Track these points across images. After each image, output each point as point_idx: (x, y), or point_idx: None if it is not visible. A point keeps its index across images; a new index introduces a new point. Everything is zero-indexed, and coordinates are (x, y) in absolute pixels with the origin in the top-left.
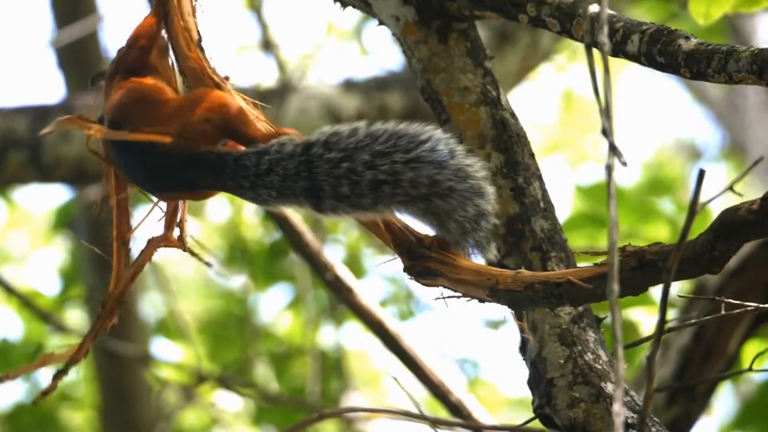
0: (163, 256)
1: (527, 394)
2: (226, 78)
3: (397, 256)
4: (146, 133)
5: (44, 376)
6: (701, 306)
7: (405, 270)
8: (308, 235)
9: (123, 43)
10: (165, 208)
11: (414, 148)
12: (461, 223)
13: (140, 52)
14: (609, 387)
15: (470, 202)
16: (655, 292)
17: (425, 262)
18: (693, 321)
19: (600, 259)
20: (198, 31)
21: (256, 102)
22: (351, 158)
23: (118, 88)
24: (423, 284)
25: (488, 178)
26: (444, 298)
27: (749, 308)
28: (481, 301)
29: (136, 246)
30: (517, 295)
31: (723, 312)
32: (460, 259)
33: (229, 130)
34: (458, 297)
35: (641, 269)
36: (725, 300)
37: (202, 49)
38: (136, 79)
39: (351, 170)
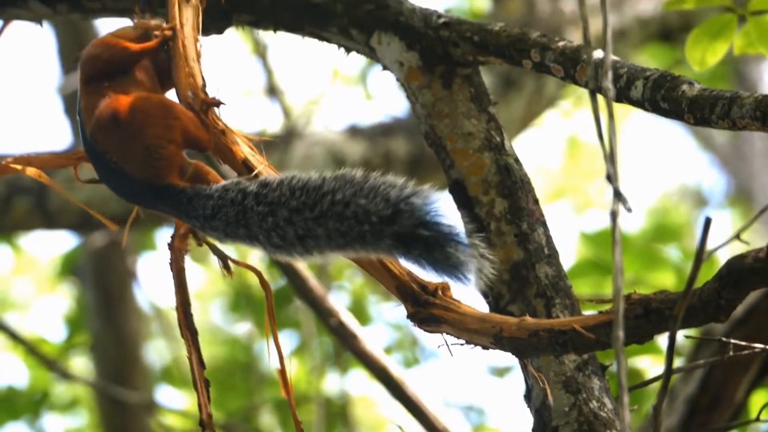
0: (167, 302)
1: None
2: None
3: (401, 302)
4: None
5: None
6: (708, 354)
7: (408, 317)
8: (313, 281)
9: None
10: None
11: (317, 203)
12: (389, 250)
13: (120, 66)
14: None
15: (385, 237)
16: (662, 339)
17: (429, 309)
18: (700, 363)
19: (605, 307)
20: (203, 77)
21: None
22: (274, 213)
23: (107, 102)
24: (427, 331)
25: (391, 200)
26: (448, 345)
27: (756, 351)
28: (485, 348)
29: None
30: (522, 342)
31: (731, 353)
32: (464, 306)
33: (189, 142)
34: (462, 344)
35: (647, 317)
36: (732, 341)
37: (206, 94)
38: (120, 98)
39: (276, 224)
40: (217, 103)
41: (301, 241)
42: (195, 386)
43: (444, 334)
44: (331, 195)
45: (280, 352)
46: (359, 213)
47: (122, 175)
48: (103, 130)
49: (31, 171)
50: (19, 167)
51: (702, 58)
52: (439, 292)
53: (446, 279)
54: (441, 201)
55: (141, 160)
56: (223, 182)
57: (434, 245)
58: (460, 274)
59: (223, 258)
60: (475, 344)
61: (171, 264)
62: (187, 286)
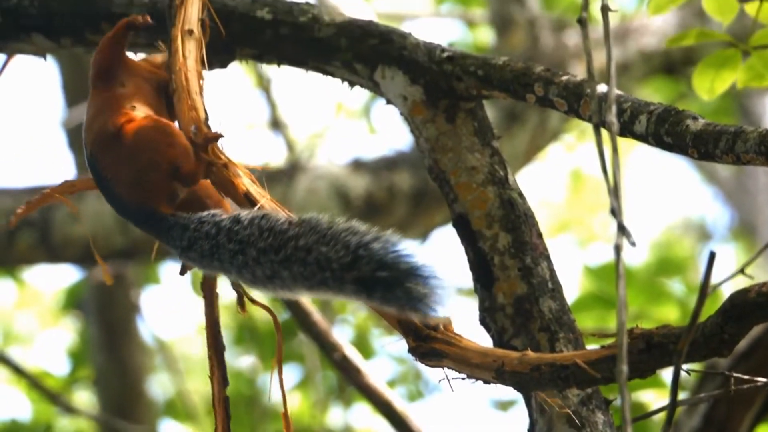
0: (171, 335)
1: None
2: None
3: (402, 336)
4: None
5: None
6: (711, 388)
7: (410, 351)
8: (316, 315)
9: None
10: None
11: (282, 247)
12: (350, 294)
13: (111, 56)
14: None
15: (347, 283)
16: (665, 373)
17: (431, 343)
18: (704, 396)
19: (608, 341)
20: (205, 110)
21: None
22: (244, 252)
23: (105, 119)
24: (428, 365)
25: (350, 247)
26: (449, 379)
27: (760, 385)
28: (487, 382)
29: None
30: (524, 377)
31: (735, 387)
32: (466, 340)
33: (175, 174)
34: (464, 378)
35: (649, 351)
36: (736, 375)
37: (208, 128)
38: (124, 116)
39: (245, 263)
40: (219, 137)
41: (270, 280)
42: (213, 405)
43: (446, 368)
44: (295, 240)
45: (284, 394)
46: (321, 260)
47: (116, 195)
48: (102, 146)
49: (68, 202)
50: (59, 197)
51: (710, 87)
52: (441, 327)
53: (415, 314)
54: (403, 244)
55: (129, 183)
56: (200, 214)
57: (394, 284)
58: (424, 306)
59: (240, 294)
60: (477, 379)
61: (203, 284)
62: (218, 306)
